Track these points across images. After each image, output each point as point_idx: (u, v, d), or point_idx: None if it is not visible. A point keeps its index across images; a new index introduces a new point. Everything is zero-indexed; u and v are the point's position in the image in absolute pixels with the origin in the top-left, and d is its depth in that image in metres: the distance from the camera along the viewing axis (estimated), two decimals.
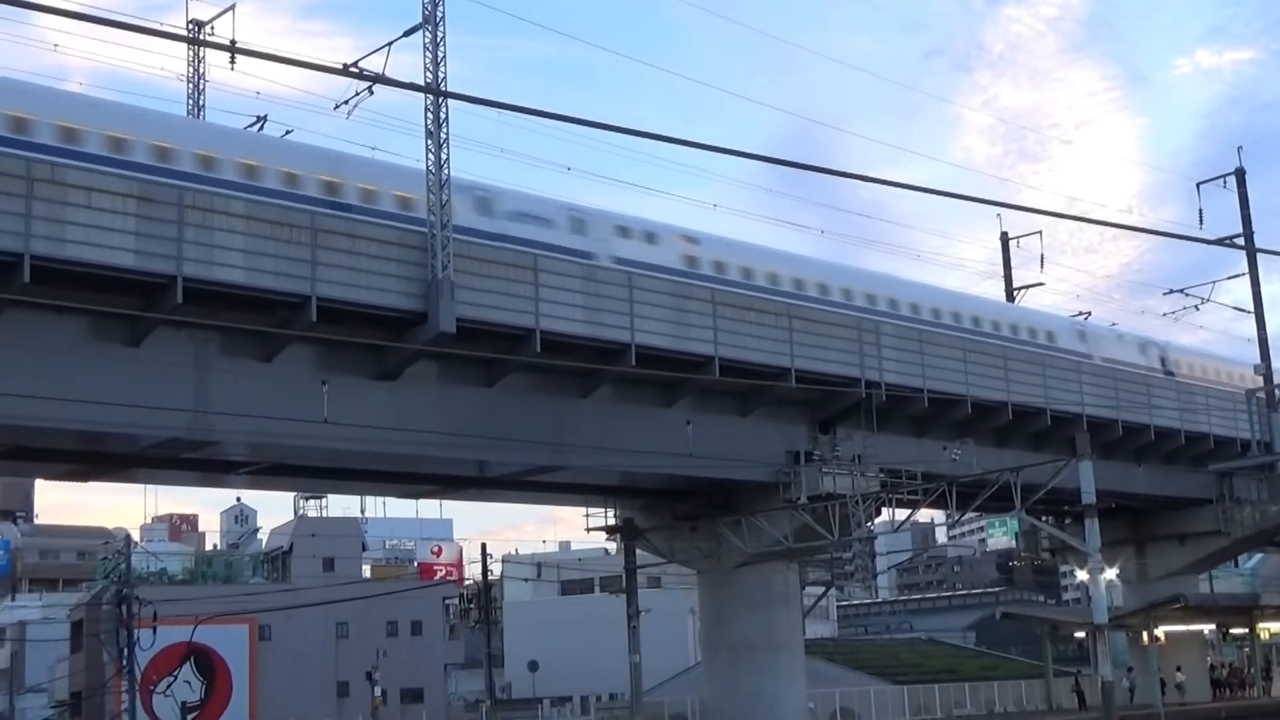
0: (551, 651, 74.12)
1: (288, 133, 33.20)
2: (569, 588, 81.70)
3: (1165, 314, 59.53)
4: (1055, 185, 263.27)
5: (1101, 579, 37.77)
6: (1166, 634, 55.16)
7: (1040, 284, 59.03)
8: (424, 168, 30.23)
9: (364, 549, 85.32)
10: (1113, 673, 39.97)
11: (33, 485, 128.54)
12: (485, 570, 55.30)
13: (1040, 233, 59.11)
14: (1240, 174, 53.38)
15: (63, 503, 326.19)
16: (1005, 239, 59.51)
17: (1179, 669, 57.61)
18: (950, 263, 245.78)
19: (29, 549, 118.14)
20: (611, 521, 44.47)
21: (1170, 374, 53.40)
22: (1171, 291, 58.40)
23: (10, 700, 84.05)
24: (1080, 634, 59.73)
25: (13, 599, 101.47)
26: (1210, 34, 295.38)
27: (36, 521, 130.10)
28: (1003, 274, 59.38)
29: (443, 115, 29.86)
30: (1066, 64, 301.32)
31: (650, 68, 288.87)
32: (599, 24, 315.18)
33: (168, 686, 52.91)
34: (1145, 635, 54.56)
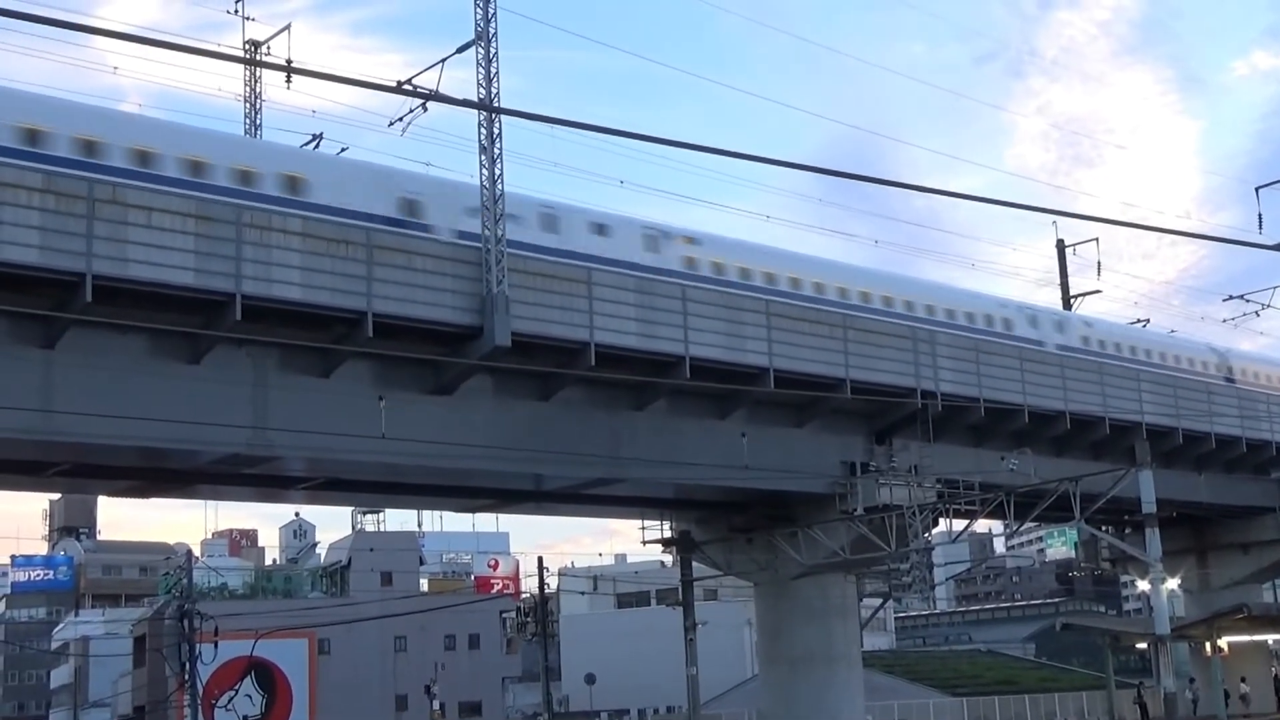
0: (608, 664, 74.21)
1: (343, 150, 33.48)
2: (625, 600, 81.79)
3: (1225, 320, 58.88)
4: (1111, 191, 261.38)
5: (1163, 589, 37.39)
6: (1230, 644, 54.40)
7: (1098, 291, 58.43)
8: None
9: (421, 563, 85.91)
10: (1176, 684, 39.54)
11: (95, 502, 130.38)
12: (542, 583, 55.50)
13: (1097, 239, 57.78)
14: None
15: (125, 518, 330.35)
16: (1061, 246, 58.82)
17: (1243, 679, 56.81)
18: (1006, 270, 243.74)
19: (92, 565, 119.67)
20: (668, 534, 44.43)
21: (1230, 380, 52.78)
22: (1231, 297, 57.65)
23: (75, 715, 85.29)
24: (1142, 645, 58.97)
25: (76, 614, 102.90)
26: (1267, 35, 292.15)
27: (99, 537, 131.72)
28: (1059, 281, 58.85)
29: (496, 131, 30.04)
30: (1120, 68, 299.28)
31: (702, 79, 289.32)
32: (651, 36, 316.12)
33: (229, 700, 53.31)
34: (1208, 646, 53.84)
